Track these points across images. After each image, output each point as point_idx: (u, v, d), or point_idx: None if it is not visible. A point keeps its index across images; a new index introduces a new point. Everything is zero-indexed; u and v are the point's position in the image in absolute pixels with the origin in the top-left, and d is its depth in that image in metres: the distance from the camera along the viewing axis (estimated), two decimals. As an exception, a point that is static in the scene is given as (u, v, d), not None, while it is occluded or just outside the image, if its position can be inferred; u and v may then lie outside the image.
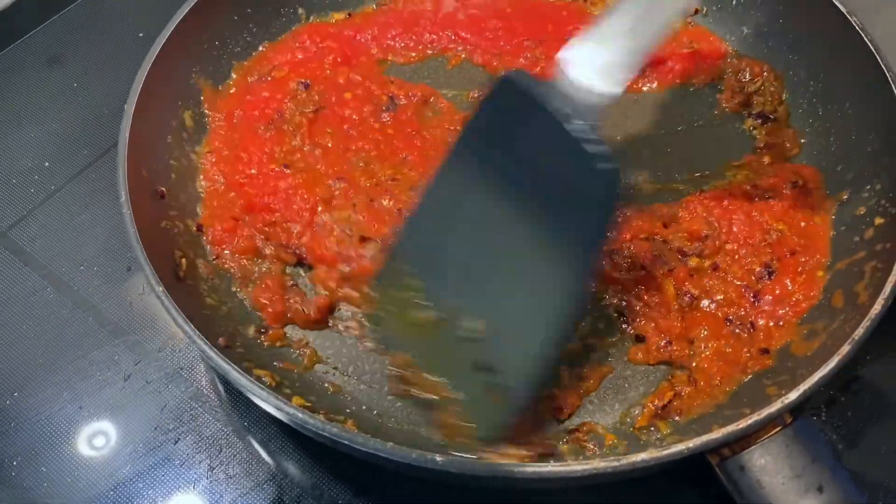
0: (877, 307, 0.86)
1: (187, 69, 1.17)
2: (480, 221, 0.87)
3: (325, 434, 0.78)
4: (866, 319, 0.86)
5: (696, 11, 1.31)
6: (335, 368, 0.99)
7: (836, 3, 1.10)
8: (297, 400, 0.91)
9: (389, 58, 1.28)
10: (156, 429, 1.00)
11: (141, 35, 1.39)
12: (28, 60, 1.38)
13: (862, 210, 1.02)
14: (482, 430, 0.85)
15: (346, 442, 0.77)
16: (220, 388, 1.03)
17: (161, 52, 1.09)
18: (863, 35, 1.06)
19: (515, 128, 0.83)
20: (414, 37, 1.29)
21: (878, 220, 0.99)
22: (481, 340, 0.86)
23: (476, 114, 0.88)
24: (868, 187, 1.03)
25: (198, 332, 0.85)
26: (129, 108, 1.03)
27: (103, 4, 1.46)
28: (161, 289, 0.88)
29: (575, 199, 0.80)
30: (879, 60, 1.03)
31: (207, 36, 1.20)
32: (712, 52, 1.26)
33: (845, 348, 0.84)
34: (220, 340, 0.94)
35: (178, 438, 0.99)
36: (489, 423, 0.85)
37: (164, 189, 1.06)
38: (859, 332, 0.85)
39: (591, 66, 0.81)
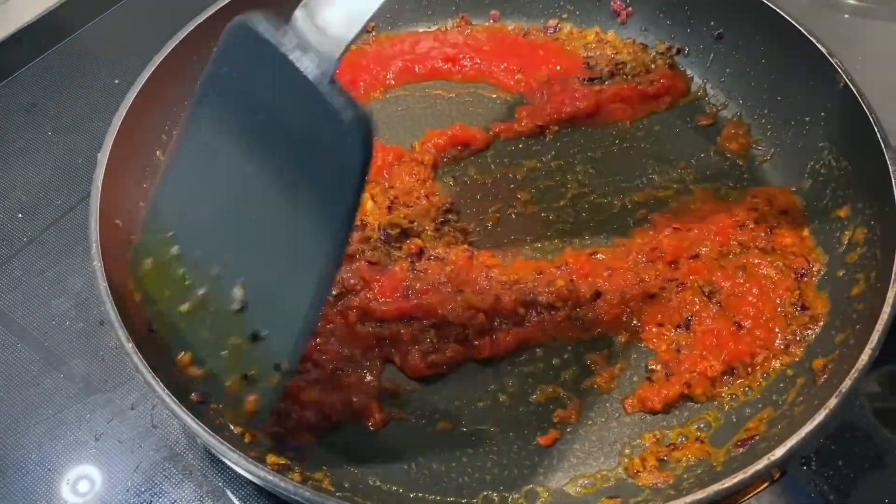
0: (864, 357, 0.87)
1: (163, 116, 1.17)
2: (232, 181, 0.83)
3: (296, 498, 0.77)
4: (853, 370, 0.86)
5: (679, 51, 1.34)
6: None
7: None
8: (271, 458, 0.91)
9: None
10: (128, 490, 0.99)
11: (117, 82, 1.40)
12: (2, 108, 1.39)
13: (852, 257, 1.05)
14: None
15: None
16: (200, 443, 1.02)
17: (136, 100, 1.10)
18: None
19: (257, 79, 0.79)
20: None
21: (860, 275, 1.01)
22: (247, 308, 0.83)
23: (213, 64, 0.82)
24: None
25: (167, 390, 0.84)
26: (103, 157, 1.03)
27: (79, 52, 1.48)
28: (131, 345, 0.87)
29: (324, 153, 0.77)
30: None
31: (183, 83, 1.21)
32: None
33: (832, 402, 0.84)
34: (193, 396, 0.93)
35: (151, 500, 0.98)
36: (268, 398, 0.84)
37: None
38: (846, 383, 0.85)
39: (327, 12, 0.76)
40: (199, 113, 0.85)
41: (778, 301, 1.04)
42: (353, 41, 0.75)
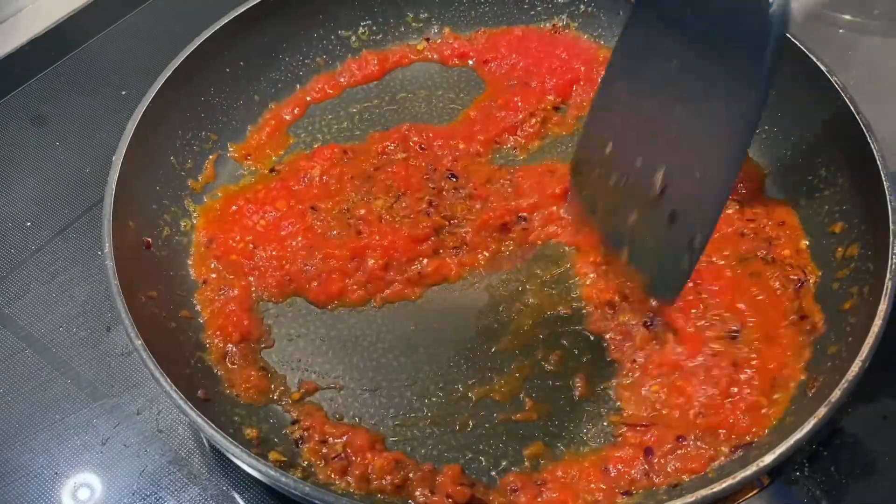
0: (854, 369, 0.91)
1: (178, 121, 1.25)
2: (657, 81, 1.00)
3: (297, 493, 0.82)
4: (843, 381, 0.90)
5: None
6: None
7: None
8: (273, 455, 0.96)
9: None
10: (134, 494, 1.03)
11: (124, 93, 1.46)
12: (11, 120, 1.45)
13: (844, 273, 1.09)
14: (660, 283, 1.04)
15: (317, 501, 0.82)
16: (206, 443, 1.07)
17: (151, 104, 1.17)
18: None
19: None
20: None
21: (854, 289, 1.05)
22: (665, 192, 0.99)
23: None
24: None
25: (173, 386, 0.90)
26: (117, 159, 1.10)
27: (87, 63, 1.53)
28: (140, 342, 0.93)
29: (740, 41, 0.88)
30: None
31: (198, 88, 1.28)
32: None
33: (822, 411, 0.88)
34: (200, 393, 0.99)
35: (157, 504, 1.03)
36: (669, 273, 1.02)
37: (149, 239, 1.12)
38: (836, 394, 0.89)
39: None
40: (631, 30, 1.05)
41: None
42: None
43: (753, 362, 1.03)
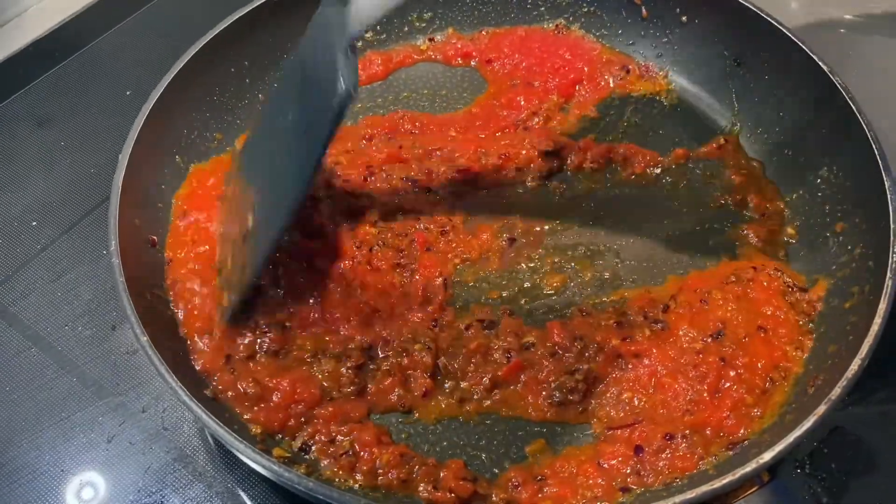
0: (854, 367, 0.93)
1: (183, 120, 1.26)
2: (280, 127, 1.08)
3: (301, 488, 0.84)
4: (843, 379, 0.92)
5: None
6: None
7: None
8: (277, 451, 0.98)
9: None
10: (139, 491, 1.05)
11: (129, 94, 1.48)
12: (16, 121, 1.46)
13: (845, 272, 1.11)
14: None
15: (320, 496, 0.83)
16: (211, 441, 1.09)
17: (157, 104, 1.19)
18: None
19: (315, 48, 1.04)
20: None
21: (855, 288, 1.07)
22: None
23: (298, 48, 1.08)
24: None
25: (178, 382, 0.92)
26: (123, 158, 1.12)
27: (92, 64, 1.55)
28: (146, 339, 0.95)
29: (325, 109, 0.97)
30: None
31: (203, 88, 1.30)
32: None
33: (821, 408, 0.90)
34: (208, 392, 1.01)
35: (162, 501, 1.04)
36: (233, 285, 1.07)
37: (154, 237, 1.14)
38: (836, 391, 0.91)
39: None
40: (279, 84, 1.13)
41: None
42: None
43: (741, 360, 1.04)
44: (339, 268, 1.14)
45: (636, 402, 1.03)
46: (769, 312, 1.09)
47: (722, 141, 1.32)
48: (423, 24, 1.49)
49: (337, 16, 0.98)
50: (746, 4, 1.28)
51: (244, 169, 1.15)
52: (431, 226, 1.22)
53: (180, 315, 1.09)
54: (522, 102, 1.38)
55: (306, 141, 1.01)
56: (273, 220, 1.04)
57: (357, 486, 0.97)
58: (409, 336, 1.09)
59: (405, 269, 1.17)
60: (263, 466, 0.87)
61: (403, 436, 1.04)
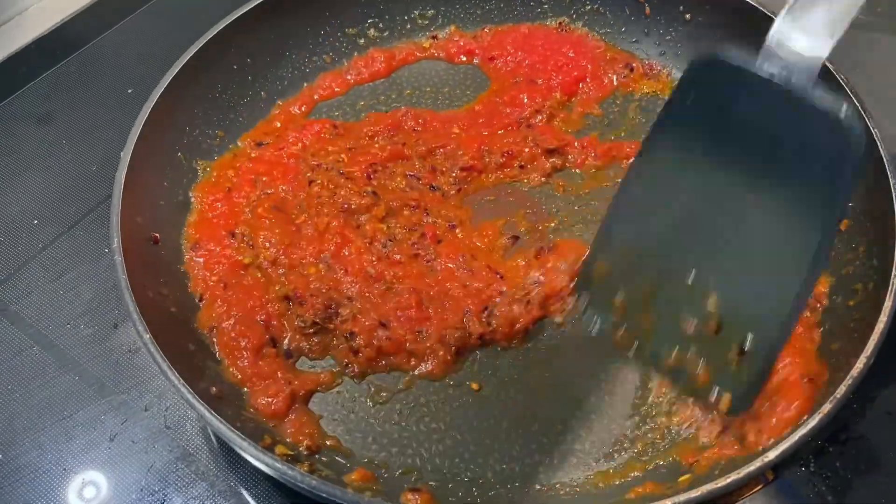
0: (859, 364, 0.93)
1: (185, 117, 1.27)
2: (697, 195, 0.96)
3: (304, 486, 0.84)
4: (848, 378, 0.92)
5: None
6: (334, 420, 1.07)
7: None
8: (280, 448, 0.98)
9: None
10: (142, 490, 1.05)
11: (130, 91, 1.48)
12: (17, 118, 1.47)
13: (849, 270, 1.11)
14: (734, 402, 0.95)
15: (323, 494, 0.83)
16: (214, 439, 1.09)
17: (160, 100, 1.19)
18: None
19: (727, 99, 0.92)
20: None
21: (859, 285, 1.07)
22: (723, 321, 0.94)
23: (678, 94, 0.98)
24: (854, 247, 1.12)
25: (181, 379, 0.92)
26: (126, 155, 1.12)
27: (93, 62, 1.55)
28: (148, 336, 0.95)
29: (811, 160, 0.87)
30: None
31: (206, 85, 1.30)
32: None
33: (826, 407, 0.90)
34: (213, 390, 1.01)
35: (165, 500, 1.04)
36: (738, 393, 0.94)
37: (157, 235, 1.15)
38: (841, 390, 0.91)
39: (800, 32, 0.88)
40: (658, 139, 1.00)
41: None
42: (837, 43, 0.86)
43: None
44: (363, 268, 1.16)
45: None
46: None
47: None
48: (426, 22, 1.49)
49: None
50: (750, 2, 1.28)
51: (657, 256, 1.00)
52: (439, 220, 1.23)
53: (228, 365, 1.08)
54: (525, 100, 1.38)
55: (802, 207, 0.89)
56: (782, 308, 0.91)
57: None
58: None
59: (423, 258, 1.17)
60: (266, 464, 0.87)
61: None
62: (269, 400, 1.04)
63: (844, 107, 0.83)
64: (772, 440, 0.92)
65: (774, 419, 0.95)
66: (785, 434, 0.89)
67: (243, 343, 1.08)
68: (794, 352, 1.01)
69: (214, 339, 1.09)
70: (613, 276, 1.03)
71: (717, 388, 0.95)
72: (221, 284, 1.13)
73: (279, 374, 1.06)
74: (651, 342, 0.99)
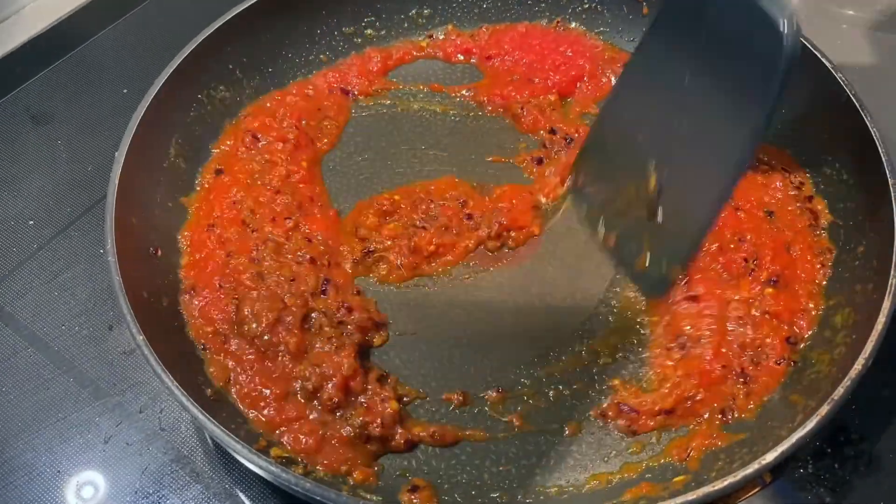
0: (857, 366, 0.92)
1: (179, 117, 1.26)
2: (669, 90, 1.01)
3: (298, 489, 0.84)
4: (846, 379, 0.91)
5: None
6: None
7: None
8: (275, 451, 0.97)
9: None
10: (136, 492, 1.05)
11: (125, 91, 1.48)
12: (12, 118, 1.46)
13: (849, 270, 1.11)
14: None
15: (318, 497, 0.83)
16: (209, 441, 1.09)
17: (154, 101, 1.18)
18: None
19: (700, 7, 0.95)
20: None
21: (858, 286, 1.07)
22: (660, 194, 1.02)
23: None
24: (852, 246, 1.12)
25: (175, 381, 0.92)
26: (120, 155, 1.12)
27: (88, 62, 1.55)
28: (142, 338, 0.95)
29: (750, 60, 0.89)
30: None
31: (199, 85, 1.30)
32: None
33: (824, 408, 0.89)
34: (208, 392, 1.01)
35: (159, 502, 1.04)
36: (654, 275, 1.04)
37: (158, 248, 1.14)
38: (839, 391, 0.91)
39: None
40: (645, 42, 1.05)
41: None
42: None
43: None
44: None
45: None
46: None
47: None
48: (423, 21, 1.49)
49: None
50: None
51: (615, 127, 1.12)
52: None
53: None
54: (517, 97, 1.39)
55: (734, 100, 0.92)
56: (708, 190, 0.97)
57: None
58: None
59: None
60: (261, 467, 0.87)
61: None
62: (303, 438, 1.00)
63: (785, 16, 0.84)
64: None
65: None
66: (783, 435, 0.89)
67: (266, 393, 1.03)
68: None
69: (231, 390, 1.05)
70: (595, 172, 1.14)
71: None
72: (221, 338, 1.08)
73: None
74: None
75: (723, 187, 0.96)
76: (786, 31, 0.83)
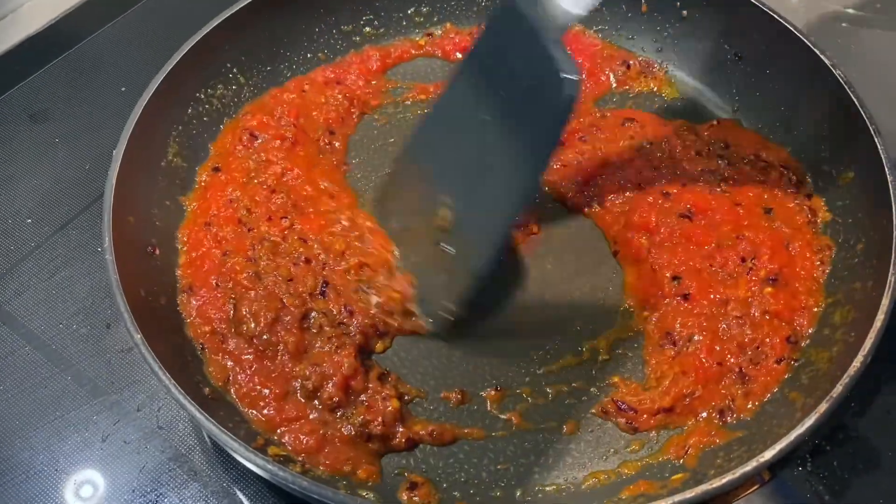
0: (856, 363, 0.93)
1: (176, 116, 1.26)
2: (469, 125, 1.07)
3: (295, 487, 0.84)
4: (845, 377, 0.92)
5: None
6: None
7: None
8: (273, 449, 0.97)
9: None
10: (134, 491, 1.05)
11: (123, 90, 1.47)
12: (9, 116, 1.46)
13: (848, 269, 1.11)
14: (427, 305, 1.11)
15: (315, 496, 0.83)
16: (207, 439, 1.08)
17: (152, 99, 1.18)
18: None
19: (503, 44, 1.03)
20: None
21: (857, 284, 1.07)
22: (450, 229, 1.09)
23: (478, 38, 1.08)
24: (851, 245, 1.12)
25: (172, 380, 0.92)
26: (118, 153, 1.11)
27: (86, 60, 1.55)
28: (139, 336, 0.95)
29: (541, 104, 0.97)
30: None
31: (196, 85, 1.30)
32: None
33: (823, 406, 0.90)
34: (206, 391, 1.01)
35: (157, 500, 1.04)
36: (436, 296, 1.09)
37: (155, 247, 1.14)
38: (838, 389, 0.91)
39: None
40: (457, 75, 1.11)
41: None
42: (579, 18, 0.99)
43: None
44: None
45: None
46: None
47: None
48: (421, 19, 1.49)
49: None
50: (749, -1, 1.28)
51: (416, 162, 1.17)
52: None
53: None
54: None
55: (523, 140, 1.00)
56: (493, 222, 1.05)
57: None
58: None
59: None
60: (258, 465, 0.87)
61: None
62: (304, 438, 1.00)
63: (566, 64, 0.93)
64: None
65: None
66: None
67: (265, 392, 1.03)
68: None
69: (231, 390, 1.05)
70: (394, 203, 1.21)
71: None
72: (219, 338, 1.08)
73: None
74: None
75: (505, 220, 1.06)
76: (575, 88, 0.93)
